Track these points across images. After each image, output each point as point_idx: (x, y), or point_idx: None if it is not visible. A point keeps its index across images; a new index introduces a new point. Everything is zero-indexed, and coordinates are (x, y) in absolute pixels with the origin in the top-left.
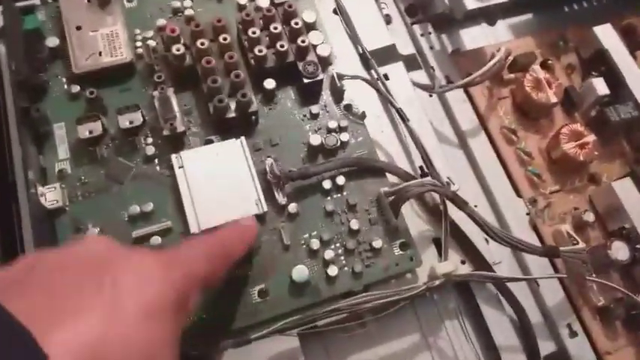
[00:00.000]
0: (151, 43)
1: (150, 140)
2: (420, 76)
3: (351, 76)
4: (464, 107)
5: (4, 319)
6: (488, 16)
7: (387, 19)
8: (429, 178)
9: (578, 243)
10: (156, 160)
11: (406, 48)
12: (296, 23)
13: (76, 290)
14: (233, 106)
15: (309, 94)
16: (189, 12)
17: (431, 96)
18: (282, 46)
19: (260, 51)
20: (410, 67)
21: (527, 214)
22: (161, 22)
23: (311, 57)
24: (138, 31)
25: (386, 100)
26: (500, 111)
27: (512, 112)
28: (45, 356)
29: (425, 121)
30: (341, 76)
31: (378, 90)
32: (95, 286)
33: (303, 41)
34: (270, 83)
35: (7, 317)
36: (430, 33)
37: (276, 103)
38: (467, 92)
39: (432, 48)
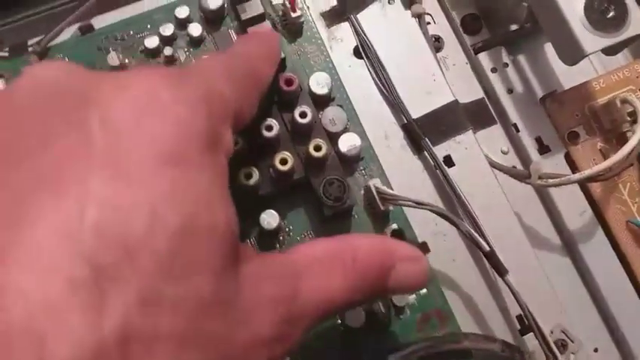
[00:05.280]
0: None
1: None
2: (494, 137)
3: (400, 198)
4: (567, 192)
5: None
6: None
7: (437, 45)
8: None
9: None
10: None
11: (469, 92)
12: (303, 114)
13: (43, 149)
14: None
15: (331, 223)
16: None
17: None
18: (284, 162)
19: (248, 176)
20: (476, 122)
21: None
22: None
23: (331, 167)
24: None
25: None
26: (623, 191)
27: None
28: None
29: (516, 230)
30: (384, 196)
31: (455, 224)
32: (75, 134)
33: (317, 148)
34: (269, 221)
35: None
36: (507, 65)
37: (280, 240)
38: (569, 163)
39: (510, 91)
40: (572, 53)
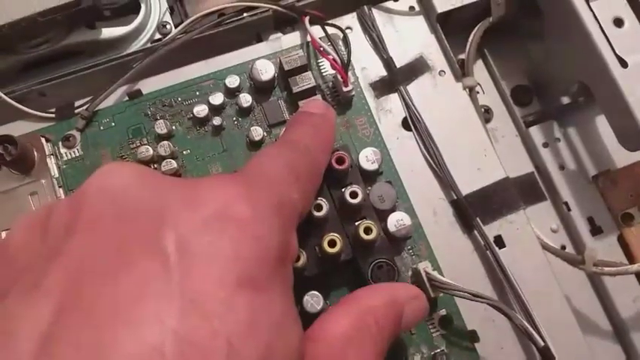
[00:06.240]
0: None
1: None
2: (543, 214)
3: (454, 287)
4: (620, 277)
5: None
6: None
7: (487, 116)
8: None
9: None
10: None
11: (518, 165)
12: (353, 194)
13: (120, 273)
14: None
15: None
16: (169, 166)
17: None
18: (332, 244)
19: (296, 258)
20: (525, 197)
21: None
22: None
23: (380, 248)
24: None
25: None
26: None
27: None
28: None
29: (567, 316)
30: (435, 283)
31: (510, 318)
32: (151, 259)
33: (368, 230)
34: (313, 304)
35: None
36: (558, 140)
37: None
38: (623, 246)
39: (562, 168)
40: (635, 141)
